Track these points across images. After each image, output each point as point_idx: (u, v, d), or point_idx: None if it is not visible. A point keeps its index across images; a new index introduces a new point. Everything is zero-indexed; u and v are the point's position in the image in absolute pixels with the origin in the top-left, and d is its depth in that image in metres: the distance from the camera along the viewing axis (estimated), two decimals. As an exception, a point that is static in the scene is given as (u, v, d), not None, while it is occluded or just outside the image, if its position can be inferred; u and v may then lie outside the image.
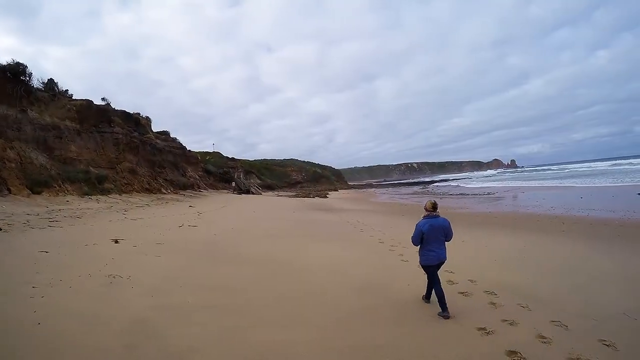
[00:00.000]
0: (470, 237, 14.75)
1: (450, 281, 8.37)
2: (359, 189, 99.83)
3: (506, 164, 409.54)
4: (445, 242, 6.74)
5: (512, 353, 4.98)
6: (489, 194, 45.38)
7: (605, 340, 5.32)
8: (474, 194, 46.72)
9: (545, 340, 5.37)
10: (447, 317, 6.21)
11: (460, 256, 11.20)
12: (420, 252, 6.77)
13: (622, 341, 5.30)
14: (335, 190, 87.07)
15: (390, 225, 18.76)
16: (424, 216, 6.72)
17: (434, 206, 6.69)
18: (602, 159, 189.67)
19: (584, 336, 5.50)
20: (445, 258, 6.71)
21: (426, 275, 6.89)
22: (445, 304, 6.35)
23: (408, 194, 62.80)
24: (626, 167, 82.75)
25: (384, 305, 6.82)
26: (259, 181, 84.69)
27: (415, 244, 6.81)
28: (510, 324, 5.94)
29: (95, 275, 7.75)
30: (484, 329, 5.72)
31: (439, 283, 6.57)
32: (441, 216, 6.75)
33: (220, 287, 7.64)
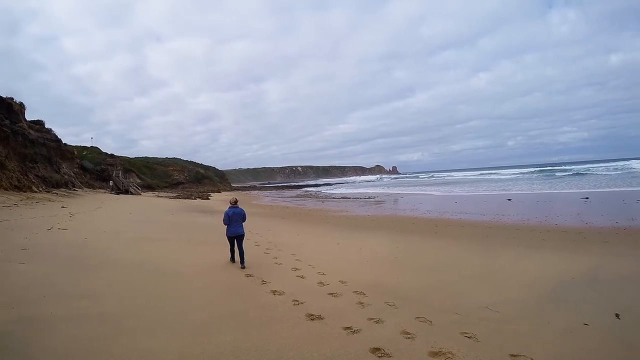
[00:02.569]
0: (346, 239, 15.04)
1: (321, 282, 8.42)
2: (242, 191, 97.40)
3: (388, 170, 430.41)
4: (243, 223, 10.74)
5: (376, 350, 4.99)
6: (370, 198, 47.66)
7: (467, 333, 5.56)
8: (355, 198, 48.66)
9: (409, 335, 5.46)
10: (243, 268, 9.88)
11: (333, 258, 11.39)
12: (227, 229, 10.51)
13: (483, 333, 5.59)
14: (219, 191, 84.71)
15: (269, 228, 18.60)
16: (229, 207, 10.68)
17: (236, 201, 11.05)
18: (476, 169, 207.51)
19: (447, 330, 5.71)
20: (242, 233, 10.54)
21: (230, 243, 10.55)
22: (243, 259, 10.19)
23: (291, 196, 63.89)
24: (497, 176, 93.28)
25: (252, 308, 6.76)
26: (139, 180, 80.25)
27: (224, 223, 10.57)
28: (376, 322, 5.99)
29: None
30: (350, 328, 5.73)
31: (240, 247, 10.34)
32: (240, 207, 10.93)
33: (89, 294, 7.10)
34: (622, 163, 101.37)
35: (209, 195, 67.05)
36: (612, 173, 69.93)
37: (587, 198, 30.01)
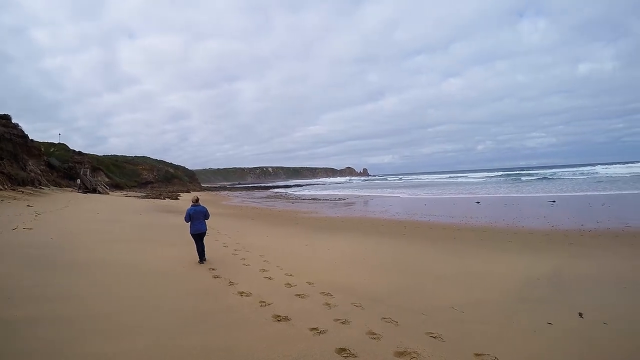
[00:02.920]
0: (315, 241, 15.03)
1: (288, 284, 8.37)
2: (212, 191, 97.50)
3: (359, 172, 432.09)
4: (206, 220, 11.08)
5: (341, 350, 4.97)
6: (340, 199, 47.85)
7: (433, 333, 5.59)
8: (325, 199, 48.75)
9: (375, 336, 5.46)
10: (202, 262, 10.48)
11: (301, 259, 11.35)
12: (190, 226, 10.82)
13: (449, 332, 5.63)
14: (188, 191, 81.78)
15: (238, 229, 18.45)
16: (191, 205, 11.01)
17: (197, 199, 11.36)
18: (445, 172, 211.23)
19: (413, 330, 5.73)
20: (204, 230, 10.90)
21: (195, 241, 10.79)
22: (204, 256, 10.71)
23: (261, 197, 63.92)
24: (465, 179, 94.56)
25: (220, 309, 6.72)
26: (107, 179, 77.90)
27: (186, 221, 10.95)
28: (343, 323, 5.96)
29: None
30: (316, 329, 5.70)
31: (202, 243, 10.76)
32: (202, 205, 11.20)
33: (54, 296, 6.94)
34: (587, 168, 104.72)
35: (179, 195, 65.36)
36: (579, 177, 72.30)
37: (554, 201, 30.81)
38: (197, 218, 10.84)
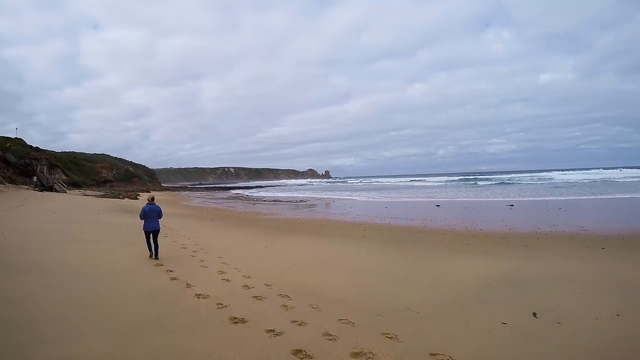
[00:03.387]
0: (274, 243, 14.97)
1: (246, 286, 8.29)
2: (172, 191, 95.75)
3: (321, 174, 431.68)
4: (159, 219, 11.43)
5: (297, 352, 4.96)
6: (301, 201, 48.01)
7: (388, 333, 5.63)
8: (287, 201, 48.83)
9: (331, 337, 5.46)
10: (151, 257, 10.97)
11: (260, 261, 11.29)
12: (144, 224, 11.22)
13: (404, 333, 5.68)
14: (148, 191, 78.28)
15: (197, 230, 18.12)
16: (147, 203, 11.47)
17: (153, 198, 12.02)
18: (407, 175, 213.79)
19: (369, 331, 5.76)
20: (158, 228, 11.28)
21: (146, 237, 11.20)
22: (157, 252, 11.07)
23: (222, 198, 63.38)
24: (425, 183, 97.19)
25: (176, 312, 6.63)
26: (65, 177, 74.28)
27: (141, 218, 11.32)
28: (299, 325, 5.95)
29: None
30: (272, 330, 5.66)
31: (155, 242, 11.13)
32: (157, 205, 11.65)
33: (8, 299, 6.81)
34: (544, 174, 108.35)
35: (138, 194, 63.50)
36: (537, 182, 75.47)
37: (512, 205, 31.73)
38: (151, 216, 11.28)
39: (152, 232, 11.20)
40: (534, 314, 6.62)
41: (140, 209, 11.59)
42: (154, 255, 11.09)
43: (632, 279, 9.18)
